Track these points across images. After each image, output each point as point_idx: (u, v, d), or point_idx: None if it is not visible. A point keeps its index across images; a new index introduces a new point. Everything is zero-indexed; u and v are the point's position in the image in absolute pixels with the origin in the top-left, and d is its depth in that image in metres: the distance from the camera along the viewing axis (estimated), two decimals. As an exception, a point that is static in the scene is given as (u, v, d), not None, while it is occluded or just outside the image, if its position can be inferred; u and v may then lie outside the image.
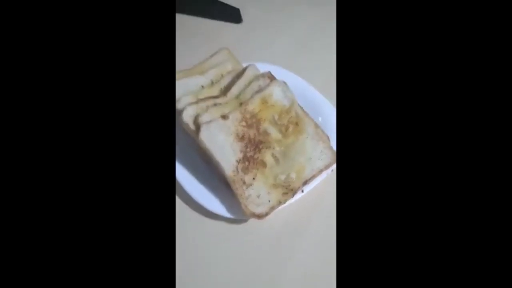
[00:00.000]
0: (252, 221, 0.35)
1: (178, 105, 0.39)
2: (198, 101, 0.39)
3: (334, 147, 0.37)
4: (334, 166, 0.37)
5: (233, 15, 0.57)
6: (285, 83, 0.39)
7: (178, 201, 0.37)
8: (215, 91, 0.42)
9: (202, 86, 0.43)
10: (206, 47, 0.50)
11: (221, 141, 0.34)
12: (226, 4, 0.58)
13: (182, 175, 0.37)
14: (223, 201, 0.35)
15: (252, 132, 0.36)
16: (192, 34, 0.56)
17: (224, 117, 0.35)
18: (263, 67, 0.43)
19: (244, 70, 0.41)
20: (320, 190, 0.37)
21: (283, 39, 0.55)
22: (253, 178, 0.33)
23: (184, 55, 0.53)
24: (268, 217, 0.33)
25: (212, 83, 0.43)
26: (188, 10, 0.60)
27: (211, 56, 0.46)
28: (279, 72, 0.43)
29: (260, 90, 0.38)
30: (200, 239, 0.35)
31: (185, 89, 0.42)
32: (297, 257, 0.34)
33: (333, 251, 0.33)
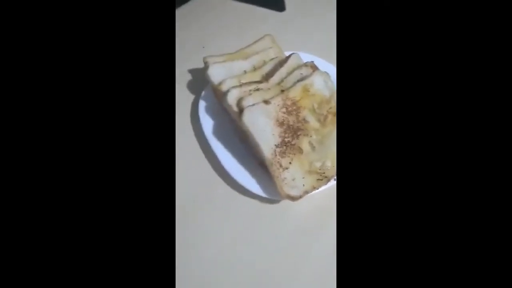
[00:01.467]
0: (283, 203, 0.37)
1: (222, 87, 0.41)
2: (241, 84, 0.41)
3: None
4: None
5: (277, 3, 0.58)
6: (327, 73, 0.40)
7: (215, 177, 0.40)
8: (257, 76, 0.43)
9: (245, 71, 0.45)
10: (250, 33, 0.52)
11: (262, 125, 0.36)
12: (271, -9, 0.59)
13: (222, 153, 0.39)
14: (259, 181, 0.37)
15: (291, 119, 0.37)
16: (236, 20, 0.58)
17: (266, 102, 0.37)
18: (304, 57, 0.44)
19: (287, 58, 0.42)
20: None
21: (325, 29, 0.56)
22: (290, 163, 0.35)
23: (229, 39, 0.55)
24: (300, 200, 0.35)
25: (255, 69, 0.45)
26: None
27: (255, 42, 0.48)
28: (320, 63, 0.44)
29: (302, 78, 0.39)
30: (233, 215, 0.37)
31: (229, 72, 0.44)
32: (321, 241, 0.36)
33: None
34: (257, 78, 0.43)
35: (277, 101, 0.37)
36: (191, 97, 0.48)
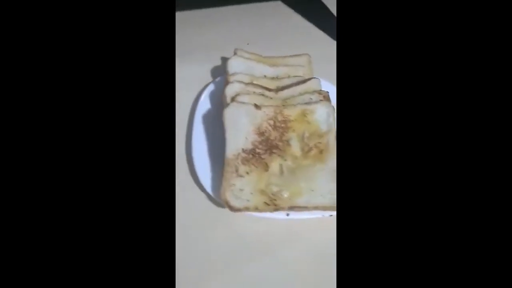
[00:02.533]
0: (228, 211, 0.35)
1: (231, 78, 0.40)
2: (249, 84, 0.40)
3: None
4: (334, 213, 0.34)
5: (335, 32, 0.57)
6: (334, 109, 0.37)
7: (181, 156, 0.39)
8: (273, 85, 0.42)
9: (265, 76, 0.44)
10: (295, 47, 0.51)
11: (240, 125, 0.34)
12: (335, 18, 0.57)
13: (197, 135, 0.38)
14: (214, 177, 0.35)
15: (274, 134, 0.35)
16: (289, 32, 0.57)
17: (257, 106, 0.35)
18: (326, 86, 0.41)
19: (306, 80, 0.40)
20: (319, 233, 0.34)
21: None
22: (247, 172, 0.33)
23: (270, 44, 0.54)
24: (242, 213, 0.32)
25: (276, 78, 0.44)
26: (300, 11, 0.61)
27: (292, 56, 0.47)
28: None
29: (307, 103, 0.37)
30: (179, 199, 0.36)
31: (249, 70, 0.43)
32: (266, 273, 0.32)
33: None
34: (271, 87, 0.41)
35: (268, 111, 0.35)
36: (209, 79, 0.48)
